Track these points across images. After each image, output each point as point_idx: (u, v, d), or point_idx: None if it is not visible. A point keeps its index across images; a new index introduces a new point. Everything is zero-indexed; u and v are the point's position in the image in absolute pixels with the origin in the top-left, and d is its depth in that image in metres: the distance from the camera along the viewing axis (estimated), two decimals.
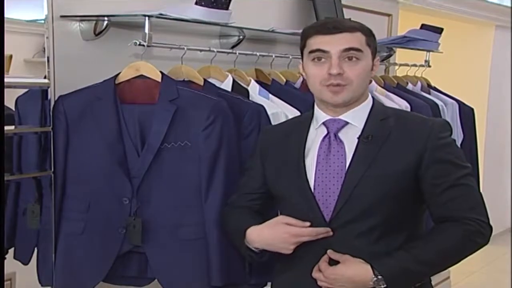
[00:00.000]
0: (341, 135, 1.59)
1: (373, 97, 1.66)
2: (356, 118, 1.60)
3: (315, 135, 1.63)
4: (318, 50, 1.55)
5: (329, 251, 1.54)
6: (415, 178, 1.54)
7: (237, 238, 1.66)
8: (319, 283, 1.55)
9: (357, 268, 1.50)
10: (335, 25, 1.56)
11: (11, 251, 1.91)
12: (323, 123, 1.61)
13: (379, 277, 1.48)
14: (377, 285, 1.48)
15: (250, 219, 1.67)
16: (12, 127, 1.83)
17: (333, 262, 1.55)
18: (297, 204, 1.60)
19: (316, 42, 1.56)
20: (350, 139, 1.58)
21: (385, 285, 1.48)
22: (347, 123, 1.60)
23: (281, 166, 1.65)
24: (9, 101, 1.81)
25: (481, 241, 1.53)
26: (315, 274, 1.55)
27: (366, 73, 1.58)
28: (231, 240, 1.75)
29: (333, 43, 1.54)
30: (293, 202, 1.62)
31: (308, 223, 1.56)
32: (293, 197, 1.61)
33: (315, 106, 1.65)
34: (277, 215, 1.66)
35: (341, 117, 1.60)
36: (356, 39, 1.55)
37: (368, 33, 1.59)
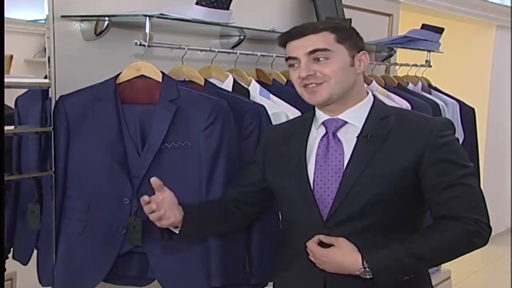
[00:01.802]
0: (339, 134, 1.60)
1: (374, 96, 1.66)
2: (355, 117, 1.60)
3: (316, 135, 1.64)
4: (289, 57, 1.60)
5: (321, 237, 1.54)
6: (416, 177, 1.54)
7: None
8: (310, 257, 1.56)
9: (348, 256, 1.51)
10: (300, 29, 1.59)
11: (12, 250, 1.91)
12: (323, 123, 1.62)
13: (367, 269, 1.48)
14: (363, 275, 1.49)
15: (207, 207, 1.71)
16: (13, 127, 1.83)
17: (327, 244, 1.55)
18: (296, 202, 1.61)
19: (288, 49, 1.61)
20: (349, 138, 1.58)
21: (371, 276, 1.48)
22: (346, 122, 1.60)
23: (282, 164, 1.65)
24: (11, 101, 1.81)
25: (479, 242, 1.52)
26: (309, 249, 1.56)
27: (343, 69, 1.57)
28: None
29: (299, 48, 1.57)
30: (293, 200, 1.62)
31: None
32: (293, 195, 1.62)
33: (315, 107, 1.66)
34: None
35: (339, 116, 1.61)
36: (321, 39, 1.56)
37: (340, 30, 1.59)
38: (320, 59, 1.56)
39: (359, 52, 1.61)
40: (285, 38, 1.61)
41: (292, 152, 1.64)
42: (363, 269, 1.49)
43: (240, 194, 1.74)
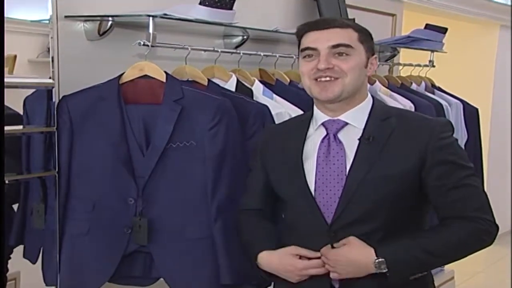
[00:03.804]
0: (340, 136, 1.58)
1: (373, 97, 1.65)
2: (356, 118, 1.58)
3: (315, 136, 1.61)
4: (308, 48, 1.56)
5: (335, 245, 1.53)
6: (418, 179, 1.53)
7: (250, 256, 1.66)
8: (326, 266, 1.53)
9: (360, 250, 1.49)
10: (326, 21, 1.57)
11: (15, 250, 1.91)
12: (322, 124, 1.60)
13: (381, 259, 1.47)
14: (378, 269, 1.47)
15: (262, 236, 1.66)
16: (16, 127, 1.84)
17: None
18: (299, 207, 1.59)
19: (307, 39, 1.57)
20: (350, 140, 1.57)
21: (386, 270, 1.47)
22: (346, 123, 1.58)
23: (281, 167, 1.64)
24: (15, 101, 1.81)
25: (488, 240, 1.52)
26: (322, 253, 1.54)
27: (359, 68, 1.56)
28: (243, 252, 1.73)
29: (322, 40, 1.54)
30: (295, 205, 1.61)
31: (319, 254, 1.54)
32: (294, 199, 1.61)
33: (314, 106, 1.64)
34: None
35: (340, 117, 1.59)
36: (346, 35, 1.55)
37: (362, 31, 1.58)
38: (343, 54, 1.54)
39: (372, 55, 1.61)
40: (308, 28, 1.58)
41: (290, 154, 1.62)
42: (377, 260, 1.47)
43: (258, 203, 1.71)
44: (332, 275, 1.53)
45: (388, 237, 1.52)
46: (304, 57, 1.58)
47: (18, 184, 1.89)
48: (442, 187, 1.52)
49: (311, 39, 1.56)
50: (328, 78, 1.54)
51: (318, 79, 1.55)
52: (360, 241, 1.50)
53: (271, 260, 1.60)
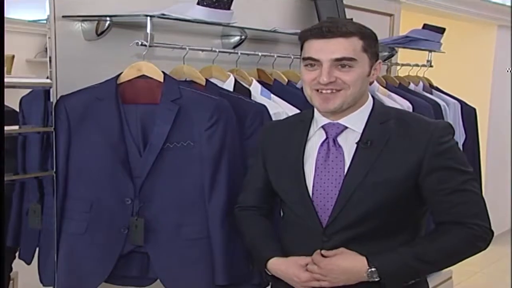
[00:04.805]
0: (340, 140, 1.57)
1: (373, 97, 1.63)
2: (356, 122, 1.57)
3: (315, 138, 1.61)
4: (310, 58, 1.53)
5: (323, 251, 1.53)
6: (416, 184, 1.52)
7: (257, 260, 1.68)
8: (313, 275, 1.53)
9: (353, 259, 1.50)
10: (331, 28, 1.50)
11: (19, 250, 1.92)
12: (322, 127, 1.59)
13: (373, 269, 1.47)
14: (371, 278, 1.47)
15: (267, 239, 1.68)
16: (14, 127, 1.84)
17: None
18: (296, 209, 1.59)
19: (310, 47, 1.53)
20: (349, 144, 1.56)
21: (378, 279, 1.47)
22: (346, 127, 1.57)
23: (281, 168, 1.63)
24: (13, 101, 1.81)
25: (482, 246, 1.53)
26: (310, 266, 1.54)
27: (361, 79, 1.53)
28: (247, 251, 1.75)
29: (325, 51, 1.50)
30: (293, 206, 1.61)
31: None
32: (292, 201, 1.61)
33: (314, 108, 1.63)
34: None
35: (340, 121, 1.57)
36: (350, 46, 1.50)
37: (367, 37, 1.53)
38: (346, 66, 1.50)
39: (376, 60, 1.58)
40: (311, 35, 1.52)
41: (290, 155, 1.61)
42: (370, 270, 1.47)
43: (258, 201, 1.73)
44: (322, 283, 1.53)
45: (384, 238, 1.52)
46: (306, 65, 1.55)
47: (13, 184, 1.88)
48: (440, 192, 1.51)
49: (314, 48, 1.52)
50: (329, 91, 1.52)
51: (320, 91, 1.53)
52: (351, 251, 1.51)
53: (278, 268, 1.60)
